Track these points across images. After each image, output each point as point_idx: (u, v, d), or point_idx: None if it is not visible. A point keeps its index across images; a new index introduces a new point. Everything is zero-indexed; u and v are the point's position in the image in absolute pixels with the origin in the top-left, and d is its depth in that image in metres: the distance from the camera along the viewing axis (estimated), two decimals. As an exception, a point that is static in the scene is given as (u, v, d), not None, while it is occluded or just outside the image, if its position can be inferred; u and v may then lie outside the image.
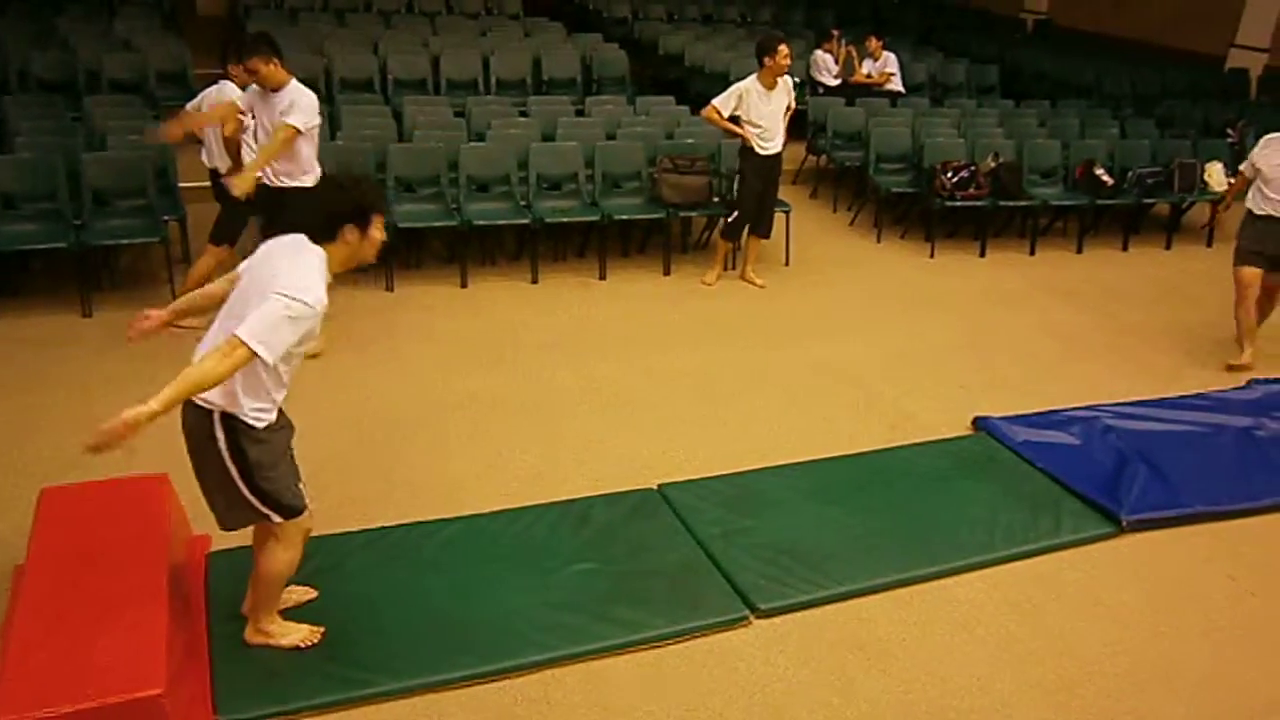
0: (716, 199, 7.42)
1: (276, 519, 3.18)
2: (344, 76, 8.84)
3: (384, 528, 4.12)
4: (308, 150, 5.44)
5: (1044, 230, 8.70)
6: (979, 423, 5.33)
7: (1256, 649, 3.88)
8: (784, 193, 8.26)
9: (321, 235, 3.01)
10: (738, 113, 6.73)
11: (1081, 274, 8.02)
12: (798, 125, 9.55)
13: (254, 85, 5.41)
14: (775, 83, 6.71)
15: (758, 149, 6.79)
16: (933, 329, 6.69)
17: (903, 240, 8.46)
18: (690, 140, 7.73)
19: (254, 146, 5.67)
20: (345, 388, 5.30)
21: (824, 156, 9.33)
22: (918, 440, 5.15)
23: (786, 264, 7.66)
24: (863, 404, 5.56)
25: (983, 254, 8.25)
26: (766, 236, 7.25)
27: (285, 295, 2.84)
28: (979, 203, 8.10)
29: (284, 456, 3.18)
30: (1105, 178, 8.53)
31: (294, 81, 5.37)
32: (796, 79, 10.21)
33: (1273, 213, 6.09)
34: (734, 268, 7.36)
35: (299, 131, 5.28)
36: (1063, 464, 4.93)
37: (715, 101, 6.80)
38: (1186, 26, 13.80)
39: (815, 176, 9.54)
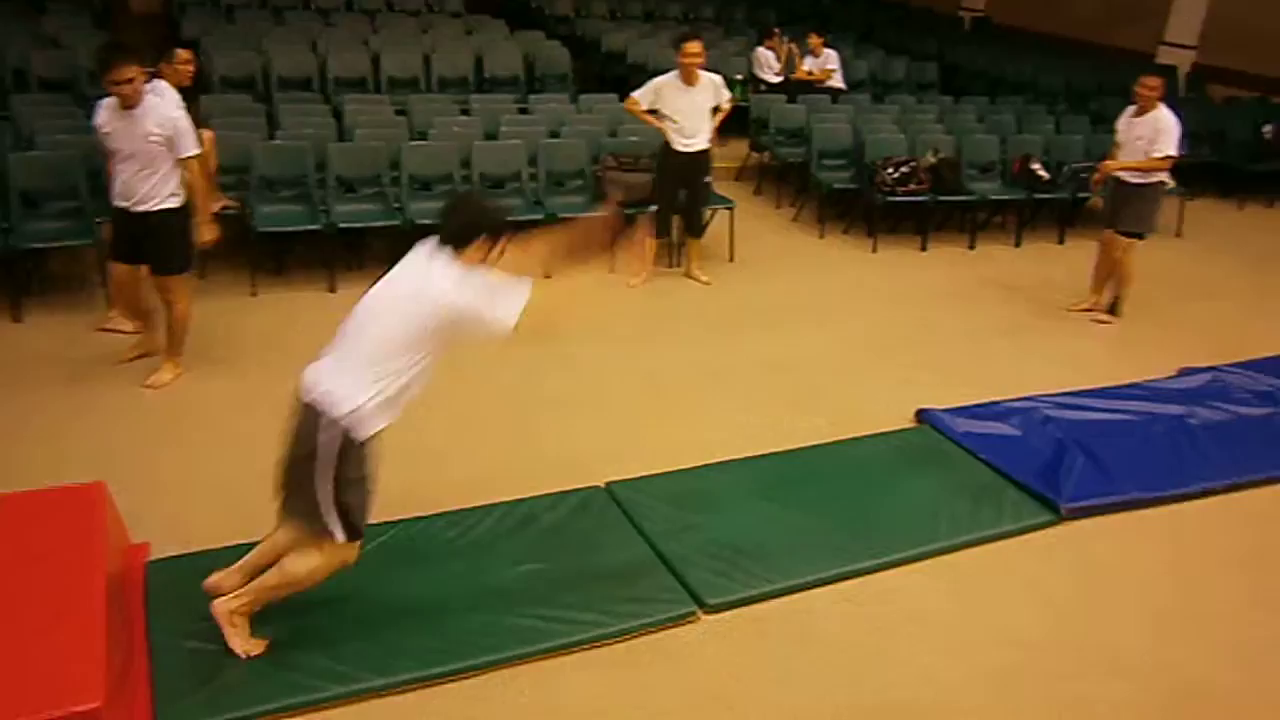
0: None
1: (339, 537, 3.14)
2: (283, 75, 8.71)
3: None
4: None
5: (983, 225, 8.85)
6: (922, 415, 5.40)
7: (1192, 631, 3.99)
8: (727, 189, 8.34)
9: (457, 243, 3.13)
10: (656, 106, 6.77)
11: (1020, 267, 8.17)
12: (740, 122, 9.65)
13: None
14: (695, 78, 6.68)
15: (674, 144, 6.81)
16: (876, 323, 6.77)
17: (845, 236, 8.55)
18: (634, 138, 7.73)
19: None
20: (283, 389, 5.21)
21: (767, 153, 9.39)
22: (862, 434, 5.21)
23: (731, 260, 7.70)
24: (807, 399, 5.60)
25: (924, 248, 8.37)
26: (697, 236, 7.20)
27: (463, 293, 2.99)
28: (919, 198, 8.21)
29: (370, 476, 3.17)
30: (1042, 172, 8.71)
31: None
32: (739, 75, 10.32)
33: (1122, 178, 6.84)
34: (678, 264, 7.37)
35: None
36: (1003, 454, 5.01)
37: (635, 93, 6.91)
38: (1118, 24, 14.11)
39: (758, 173, 9.60)
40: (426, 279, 3.05)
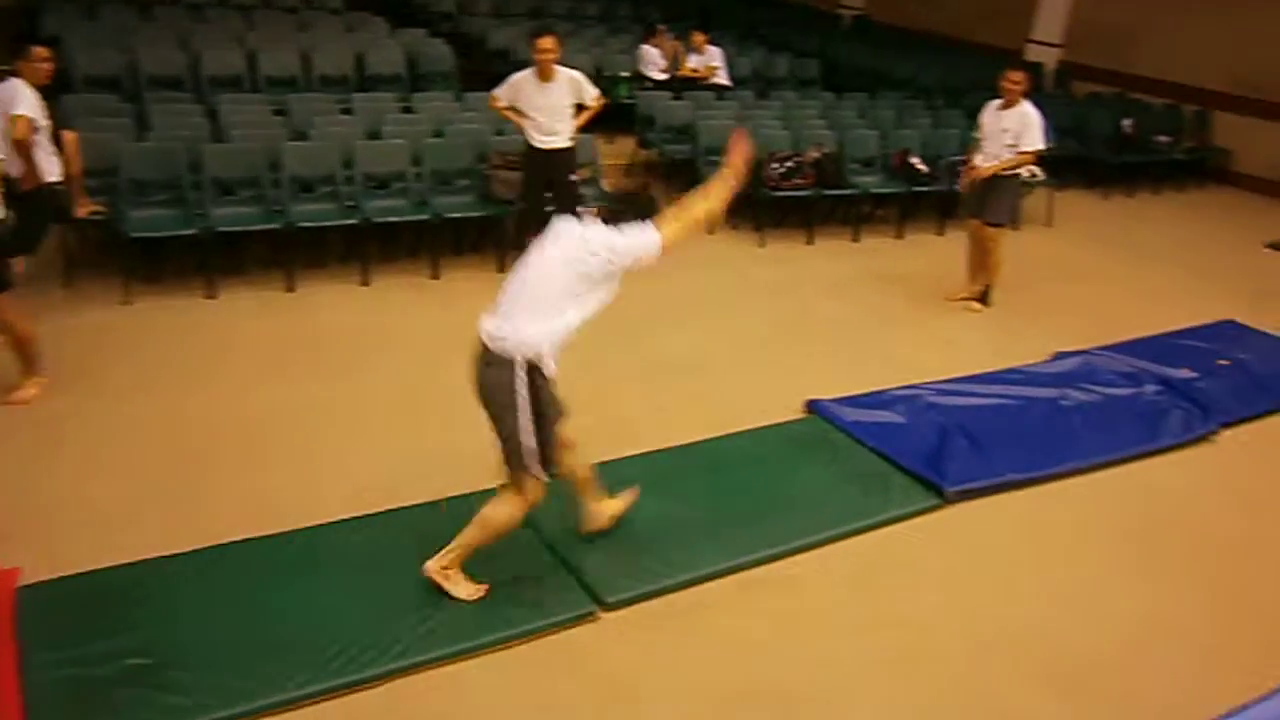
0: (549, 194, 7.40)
1: (537, 472, 3.58)
2: (152, 74, 8.37)
3: (214, 546, 3.93)
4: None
5: (866, 218, 9.07)
6: (811, 406, 5.51)
7: (1071, 606, 4.16)
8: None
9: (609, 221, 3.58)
10: (516, 103, 6.72)
11: (902, 258, 8.40)
12: (626, 120, 9.68)
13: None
14: (550, 75, 6.59)
15: (533, 141, 6.77)
16: (764, 316, 6.88)
17: (734, 231, 8.65)
18: (520, 135, 7.66)
19: (51, 150, 5.35)
20: (161, 402, 5.03)
21: (654, 150, 9.43)
22: (753, 426, 5.28)
23: (622, 257, 7.70)
24: (699, 393, 5.66)
25: (810, 242, 8.54)
26: None
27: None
28: (804, 192, 8.37)
29: (558, 411, 3.67)
30: (920, 166, 8.97)
31: None
32: (624, 73, 10.35)
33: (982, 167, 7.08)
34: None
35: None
36: (890, 441, 5.15)
37: (496, 90, 6.87)
38: (989, 22, 14.63)
39: (645, 170, 9.64)
40: (584, 235, 3.58)
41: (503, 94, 6.78)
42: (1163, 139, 11.33)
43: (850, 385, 5.76)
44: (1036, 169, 9.43)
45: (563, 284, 3.54)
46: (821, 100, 10.48)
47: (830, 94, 10.89)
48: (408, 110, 8.20)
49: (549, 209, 6.51)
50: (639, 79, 10.49)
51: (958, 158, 9.17)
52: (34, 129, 5.21)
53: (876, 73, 12.42)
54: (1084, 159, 10.83)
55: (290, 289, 6.54)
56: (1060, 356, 6.46)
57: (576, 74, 6.77)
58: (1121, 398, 5.92)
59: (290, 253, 6.64)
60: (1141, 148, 11.13)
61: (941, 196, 9.29)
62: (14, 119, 5.14)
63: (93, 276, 6.30)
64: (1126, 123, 11.07)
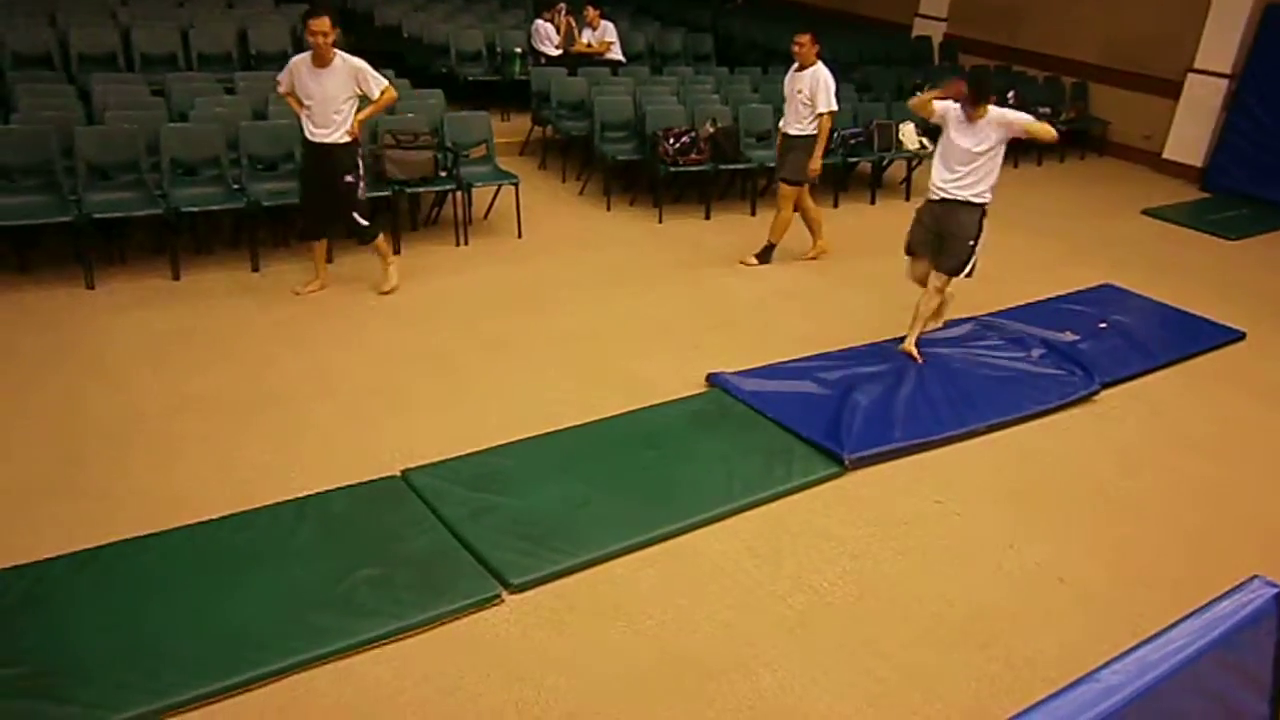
0: (444, 174, 7.29)
1: (967, 274, 5.93)
2: (17, 51, 7.93)
3: (98, 547, 3.78)
4: None
5: (762, 191, 9.15)
6: (712, 379, 5.56)
7: (963, 562, 4.31)
8: (512, 164, 8.27)
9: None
10: (295, 89, 5.92)
11: (799, 232, 8.49)
12: (521, 97, 9.58)
13: None
14: (324, 60, 5.76)
15: (305, 133, 5.96)
16: (664, 292, 6.90)
17: (632, 207, 8.65)
18: (412, 115, 7.52)
19: None
20: (48, 399, 4.81)
21: (549, 127, 9.35)
22: (655, 402, 5.30)
23: (519, 236, 7.65)
24: (600, 370, 5.66)
25: (708, 217, 8.59)
26: (362, 240, 6.31)
27: None
28: (701, 168, 8.40)
29: None
30: (814, 140, 9.07)
31: None
32: (518, 48, 10.22)
33: (785, 130, 7.32)
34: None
35: None
36: (790, 412, 5.23)
37: (279, 74, 6.10)
38: (878, -3, 14.89)
39: (542, 147, 9.56)
40: (988, 117, 5.66)
41: (283, 79, 5.99)
42: (1044, 110, 11.68)
43: (750, 358, 5.82)
44: (925, 140, 9.70)
45: (997, 145, 5.66)
46: (715, 75, 10.52)
47: (724, 69, 10.94)
48: (293, 89, 7.94)
49: (324, 210, 6.14)
50: (533, 55, 10.38)
51: (851, 131, 9.34)
52: None
53: (769, 47, 12.52)
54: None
55: (176, 276, 6.31)
56: (950, 324, 6.64)
57: (360, 62, 5.88)
58: (1009, 362, 6.12)
59: (174, 239, 6.39)
60: (1025, 118, 11.45)
61: (835, 169, 9.44)
62: None
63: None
64: (1010, 94, 11.39)
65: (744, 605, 3.91)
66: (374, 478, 4.39)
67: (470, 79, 9.99)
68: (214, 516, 4.03)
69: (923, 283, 6.15)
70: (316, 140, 5.92)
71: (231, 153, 6.73)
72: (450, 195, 7.62)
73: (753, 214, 8.79)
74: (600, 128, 8.65)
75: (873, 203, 9.62)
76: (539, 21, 10.59)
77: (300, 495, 4.22)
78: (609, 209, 8.57)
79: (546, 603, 3.80)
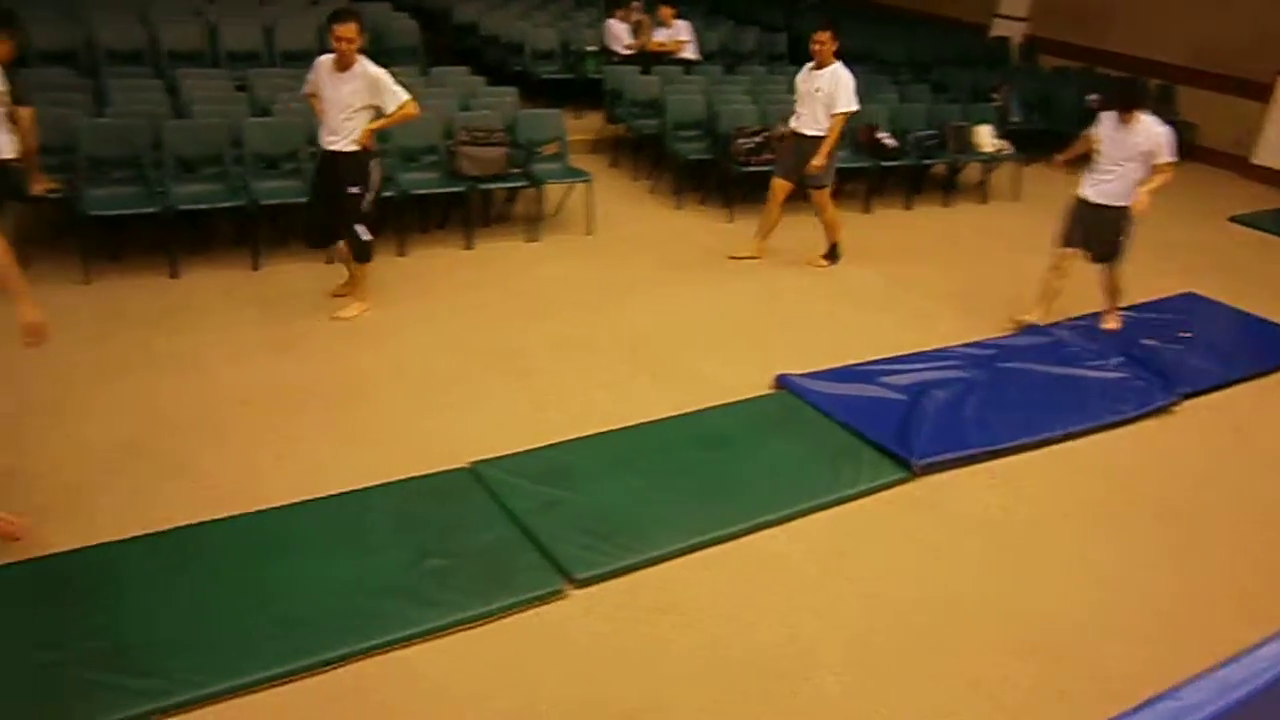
0: (516, 170, 7.35)
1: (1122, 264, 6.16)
2: (110, 48, 8.19)
3: (174, 529, 3.89)
4: None
5: (833, 193, 9.05)
6: (780, 381, 5.53)
7: (1033, 573, 4.22)
8: (583, 162, 8.31)
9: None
10: (316, 90, 5.72)
11: (870, 234, 8.41)
12: (594, 95, 9.62)
13: None
14: (345, 65, 5.53)
15: (319, 137, 5.77)
16: (733, 293, 6.88)
17: (702, 206, 8.64)
18: (487, 111, 7.61)
19: (8, 127, 5.27)
20: (130, 385, 4.96)
21: (622, 125, 9.38)
22: (722, 402, 5.29)
23: (589, 233, 7.69)
24: (667, 369, 5.66)
25: (778, 217, 8.52)
26: (358, 256, 5.95)
27: None
28: (772, 167, 8.33)
29: None
30: (887, 141, 8.98)
31: None
32: (591, 47, 10.25)
33: (801, 131, 7.12)
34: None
35: None
36: (859, 416, 5.18)
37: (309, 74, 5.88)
38: (955, -3, 14.66)
39: (614, 146, 9.60)
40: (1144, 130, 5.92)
41: (309, 79, 5.80)
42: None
43: (819, 360, 5.78)
44: (1003, 143, 9.53)
45: (1144, 158, 5.97)
46: (788, 75, 10.41)
47: (797, 68, 10.83)
48: (372, 85, 8.08)
49: (325, 219, 5.90)
50: (606, 53, 10.42)
51: (925, 133, 9.21)
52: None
53: (842, 47, 12.36)
54: (1050, 133, 10.89)
55: (255, 267, 6.46)
56: (1027, 331, 6.51)
57: (380, 73, 5.63)
58: (1086, 370, 5.99)
59: (255, 230, 6.55)
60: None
61: (909, 171, 9.33)
62: None
63: (50, 256, 6.19)
64: (1092, 97, 11.13)
65: (807, 608, 3.88)
66: (442, 469, 4.45)
67: (544, 77, 10.06)
68: (285, 503, 4.12)
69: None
70: (327, 147, 5.69)
71: (311, 147, 6.87)
72: (522, 192, 7.69)
73: (824, 215, 8.71)
74: (672, 126, 8.65)
75: (946, 206, 9.48)
76: (612, 20, 10.62)
77: (369, 485, 4.29)
78: (679, 208, 8.56)
79: (609, 598, 3.82)
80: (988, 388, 5.63)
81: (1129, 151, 6.08)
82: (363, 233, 5.87)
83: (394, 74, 8.41)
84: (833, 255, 7.51)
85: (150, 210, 6.16)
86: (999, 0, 13.88)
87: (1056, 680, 3.64)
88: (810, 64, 7.08)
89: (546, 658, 3.50)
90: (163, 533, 3.87)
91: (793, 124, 7.20)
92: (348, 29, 5.41)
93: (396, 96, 5.66)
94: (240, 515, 4.02)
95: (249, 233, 6.56)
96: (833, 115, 6.98)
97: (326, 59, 5.64)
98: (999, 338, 6.37)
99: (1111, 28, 12.79)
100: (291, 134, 6.79)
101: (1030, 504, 4.72)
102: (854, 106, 7.02)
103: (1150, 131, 6.03)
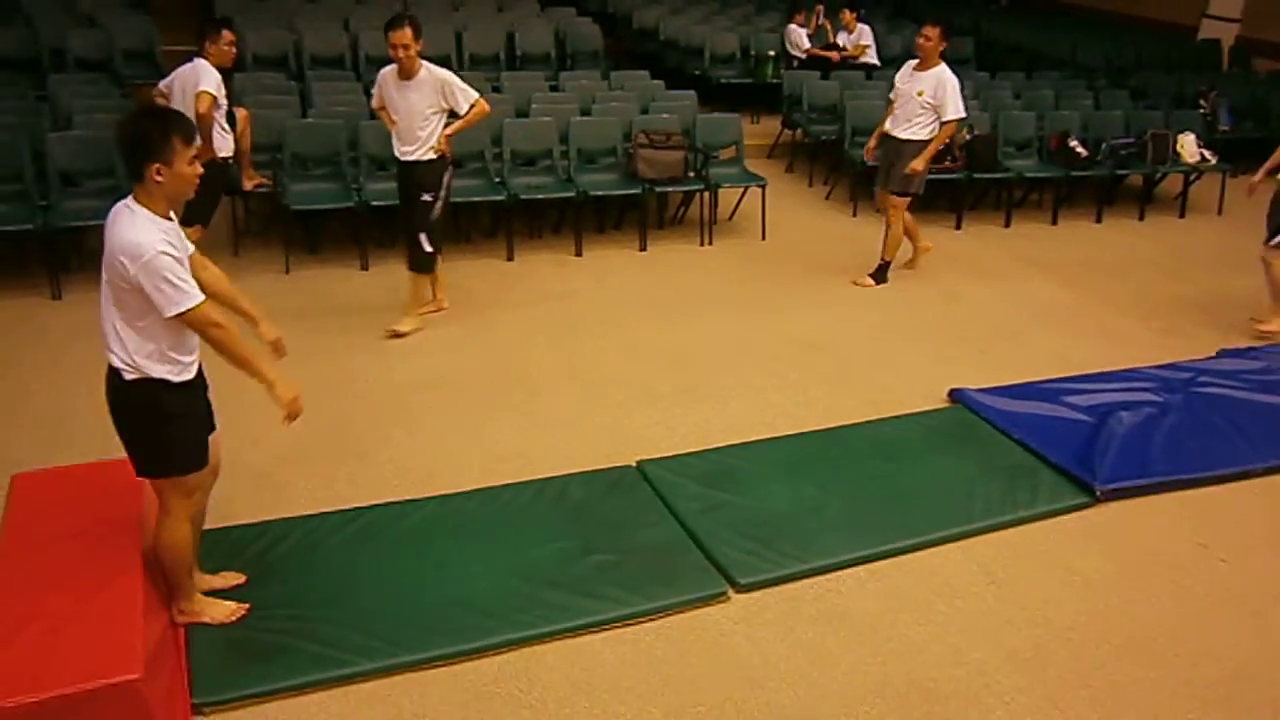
0: (692, 174, 7.39)
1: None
2: (314, 53, 8.72)
3: (359, 508, 4.11)
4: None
5: (1019, 202, 8.74)
6: (955, 395, 5.35)
7: (1226, 615, 3.94)
8: (759, 167, 8.28)
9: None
10: (385, 103, 5.58)
11: (1056, 246, 8.06)
12: (773, 99, 9.57)
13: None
14: (409, 73, 5.36)
15: (395, 150, 5.61)
16: (909, 301, 6.71)
17: (878, 214, 8.44)
18: (665, 115, 7.68)
19: (225, 127, 5.65)
20: (326, 369, 5.26)
21: (799, 130, 9.30)
22: (894, 413, 5.17)
23: (763, 238, 7.65)
24: (838, 377, 5.57)
25: (958, 226, 8.28)
26: (417, 266, 5.72)
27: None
28: (954, 175, 8.11)
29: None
30: (1079, 149, 8.57)
31: None
32: (771, 51, 10.21)
33: (894, 133, 6.60)
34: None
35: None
36: (1038, 435, 4.96)
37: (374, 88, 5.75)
38: (1159, -3, 13.84)
39: (790, 151, 9.52)
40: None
41: (375, 93, 5.68)
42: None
43: (997, 375, 5.57)
44: (1208, 152, 8.93)
45: None
46: (975, 80, 10.11)
47: (984, 74, 10.50)
48: (555, 89, 8.31)
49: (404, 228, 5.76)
50: (787, 58, 10.35)
51: (1122, 140, 8.75)
52: (215, 106, 5.52)
53: (1034, 51, 11.92)
54: (1263, 141, 10.13)
55: (510, 257, 6.74)
56: (1225, 354, 6.09)
57: (447, 74, 5.42)
58: (1295, 399, 5.54)
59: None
60: (1329, 131, 10.35)
61: (1101, 181, 8.88)
62: (199, 95, 5.47)
63: (258, 246, 6.64)
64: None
65: (975, 630, 3.75)
66: (610, 465, 4.52)
67: (723, 81, 10.09)
68: (462, 489, 4.28)
69: None
70: (400, 157, 5.54)
71: (495, 148, 7.11)
72: (697, 195, 7.73)
73: (1006, 225, 8.41)
74: (851, 132, 8.51)
75: (1141, 219, 8.96)
76: (792, 25, 10.55)
77: (541, 476, 4.41)
78: (855, 214, 8.42)
79: (772, 605, 3.79)
80: (1182, 412, 5.27)
81: None
82: (425, 243, 5.64)
83: (576, 78, 8.68)
84: (881, 275, 6.94)
85: (346, 205, 6.52)
86: (1209, 0, 13.02)
87: (1249, 729, 3.38)
88: (912, 62, 6.60)
89: (706, 660, 3.51)
90: (353, 509, 4.09)
91: (887, 125, 6.71)
92: (403, 35, 5.20)
93: (468, 95, 5.43)
94: (422, 499, 4.20)
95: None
96: (942, 124, 6.46)
97: (389, 70, 5.46)
98: (1196, 360, 5.97)
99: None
100: (477, 135, 7.03)
101: (1227, 540, 4.40)
102: (961, 114, 6.51)
103: None
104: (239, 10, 9.31)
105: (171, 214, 2.97)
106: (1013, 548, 4.24)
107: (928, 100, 6.43)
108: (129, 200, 2.90)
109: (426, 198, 5.55)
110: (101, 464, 3.67)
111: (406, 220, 5.70)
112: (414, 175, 5.55)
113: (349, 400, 4.99)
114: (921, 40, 6.46)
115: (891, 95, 6.76)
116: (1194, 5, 13.14)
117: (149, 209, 2.88)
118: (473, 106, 5.44)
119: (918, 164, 6.49)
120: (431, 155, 5.49)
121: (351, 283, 6.37)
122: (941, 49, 6.45)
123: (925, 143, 6.50)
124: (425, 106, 5.38)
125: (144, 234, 2.80)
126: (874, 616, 3.77)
